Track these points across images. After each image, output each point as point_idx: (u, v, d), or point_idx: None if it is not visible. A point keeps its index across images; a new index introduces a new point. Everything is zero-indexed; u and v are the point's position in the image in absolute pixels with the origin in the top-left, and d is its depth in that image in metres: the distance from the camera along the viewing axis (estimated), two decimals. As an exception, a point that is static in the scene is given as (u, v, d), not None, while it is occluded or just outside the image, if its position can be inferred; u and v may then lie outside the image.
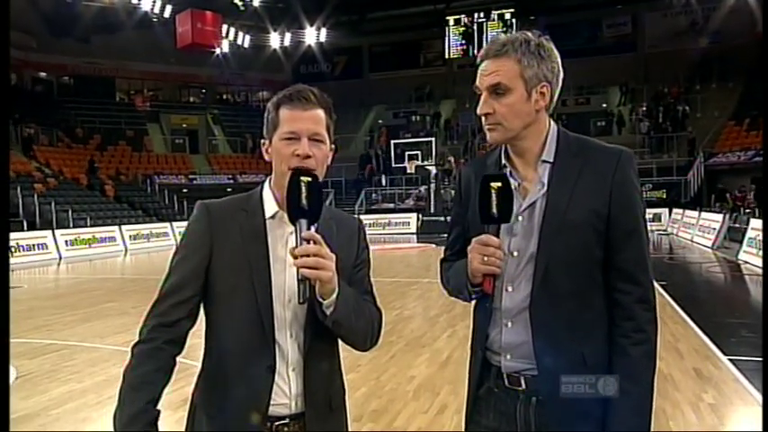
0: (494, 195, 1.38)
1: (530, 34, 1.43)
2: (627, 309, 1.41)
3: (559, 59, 1.46)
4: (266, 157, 1.49)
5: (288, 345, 1.43)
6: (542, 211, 1.42)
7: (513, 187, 1.43)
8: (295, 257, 1.31)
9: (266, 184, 1.51)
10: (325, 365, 1.48)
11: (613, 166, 1.42)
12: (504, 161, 1.51)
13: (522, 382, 1.46)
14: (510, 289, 1.45)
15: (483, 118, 1.45)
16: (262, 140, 1.51)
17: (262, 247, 1.44)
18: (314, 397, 1.45)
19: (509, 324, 1.45)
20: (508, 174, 1.48)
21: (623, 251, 1.41)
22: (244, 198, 1.52)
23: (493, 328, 1.49)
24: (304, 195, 1.33)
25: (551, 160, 1.45)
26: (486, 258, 1.39)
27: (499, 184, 1.39)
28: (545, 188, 1.43)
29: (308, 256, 1.31)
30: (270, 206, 1.47)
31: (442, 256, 1.70)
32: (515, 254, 1.44)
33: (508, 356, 1.47)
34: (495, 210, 1.39)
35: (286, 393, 1.43)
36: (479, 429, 1.54)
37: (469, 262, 1.43)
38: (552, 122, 1.50)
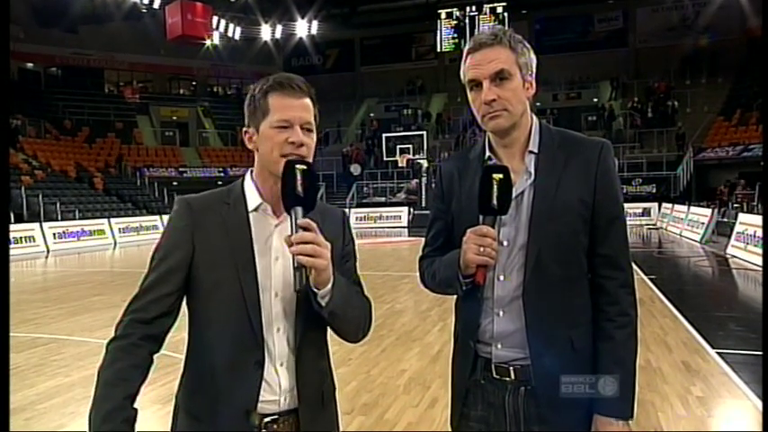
0: (495, 187, 1.40)
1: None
2: (611, 294, 1.46)
3: None
4: (250, 146, 1.45)
5: (276, 339, 1.40)
6: (531, 201, 1.45)
7: None
8: (290, 245, 1.29)
9: (248, 177, 1.48)
10: (315, 360, 1.46)
11: (596, 156, 1.47)
12: (489, 153, 1.53)
13: (511, 372, 1.48)
14: (502, 278, 1.47)
15: (485, 106, 1.45)
16: (244, 129, 1.46)
17: (246, 241, 1.40)
18: (306, 392, 1.43)
19: (501, 313, 1.48)
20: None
21: (607, 238, 1.46)
22: (225, 191, 1.48)
23: (484, 318, 1.50)
24: (299, 183, 1.32)
25: (536, 151, 1.49)
26: (482, 249, 1.40)
27: (501, 175, 1.40)
28: (532, 178, 1.47)
29: (304, 243, 1.29)
30: (253, 198, 1.44)
31: (421, 253, 1.68)
32: (505, 243, 1.47)
33: (499, 346, 1.49)
34: (495, 201, 1.40)
35: (275, 389, 1.40)
36: (467, 423, 1.55)
37: (463, 253, 1.43)
38: (533, 115, 1.54)
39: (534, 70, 1.49)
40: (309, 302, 1.40)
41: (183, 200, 1.46)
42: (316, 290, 1.35)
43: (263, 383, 1.39)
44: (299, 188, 1.32)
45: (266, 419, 1.40)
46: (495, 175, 1.40)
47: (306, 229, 1.31)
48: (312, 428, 1.43)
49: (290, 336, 1.41)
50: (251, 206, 1.43)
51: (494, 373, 1.50)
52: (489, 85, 1.43)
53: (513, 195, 1.45)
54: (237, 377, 1.37)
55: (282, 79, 1.41)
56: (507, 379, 1.49)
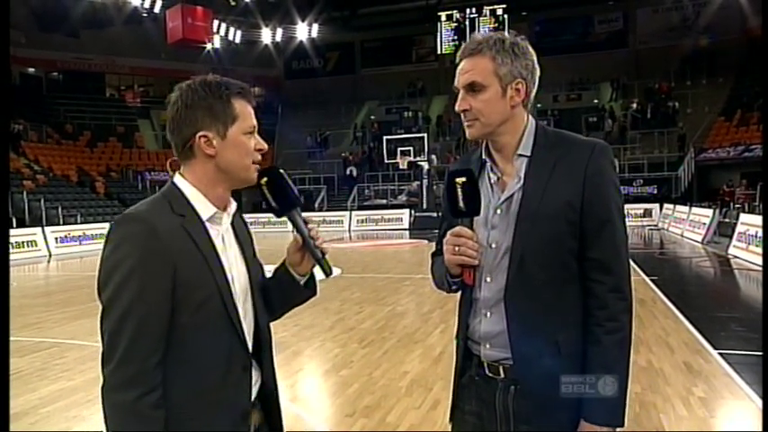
0: (459, 190, 1.44)
1: (506, 34, 1.50)
2: (600, 298, 1.44)
3: (535, 58, 1.50)
4: (209, 151, 1.36)
5: (247, 341, 1.43)
6: (518, 204, 1.46)
7: (492, 181, 1.51)
8: (308, 240, 1.44)
9: (185, 185, 1.39)
10: (271, 355, 1.53)
11: (587, 157, 1.45)
12: (484, 156, 1.56)
13: (501, 370, 1.51)
14: (488, 280, 1.50)
15: (461, 115, 1.50)
16: (201, 133, 1.35)
17: (213, 252, 1.36)
18: (269, 388, 1.51)
19: (488, 314, 1.51)
20: (489, 169, 1.54)
21: (596, 241, 1.44)
22: (163, 202, 1.37)
23: (473, 318, 1.55)
24: (293, 188, 1.44)
25: (528, 154, 1.50)
26: (457, 249, 1.45)
27: (463, 179, 1.44)
28: (521, 181, 1.48)
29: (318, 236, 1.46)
30: (204, 208, 1.39)
31: (434, 250, 1.74)
32: (493, 246, 1.49)
33: (487, 346, 1.52)
34: (461, 204, 1.44)
35: (251, 387, 1.46)
36: (462, 416, 1.60)
37: (445, 253, 1.50)
38: (531, 118, 1.54)
39: (527, 75, 1.47)
40: (262, 293, 1.50)
41: (138, 218, 1.32)
42: (298, 275, 1.51)
43: None
44: (296, 192, 1.45)
45: None
46: (457, 180, 1.44)
47: (308, 222, 1.45)
48: (277, 416, 1.53)
49: (252, 333, 1.46)
50: (205, 216, 1.38)
51: (486, 370, 1.53)
52: (463, 95, 1.48)
53: (504, 198, 1.49)
54: (232, 384, 1.38)
55: (242, 85, 1.40)
56: (498, 377, 1.51)
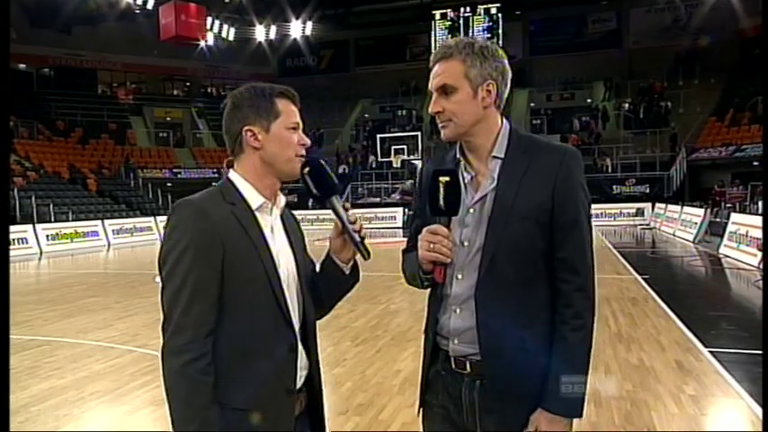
0: (441, 189, 1.47)
1: (477, 38, 1.56)
2: (566, 297, 1.50)
3: (506, 60, 1.55)
4: (254, 144, 1.50)
5: (294, 323, 1.52)
6: (491, 204, 1.51)
7: (466, 181, 1.55)
8: (348, 224, 1.51)
9: (237, 177, 1.53)
10: (315, 340, 1.62)
11: (558, 162, 1.51)
12: (458, 156, 1.60)
13: (468, 365, 1.55)
14: (460, 277, 1.55)
15: (436, 117, 1.55)
16: (246, 127, 1.50)
17: (261, 237, 1.49)
18: (315, 371, 1.60)
19: (457, 310, 1.55)
20: (463, 168, 1.58)
21: (565, 243, 1.50)
22: (217, 192, 1.51)
23: (443, 314, 1.59)
24: (333, 177, 1.53)
25: (502, 156, 1.54)
26: (432, 246, 1.49)
27: (447, 178, 1.48)
28: (495, 182, 1.52)
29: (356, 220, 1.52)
30: (254, 198, 1.51)
31: (404, 247, 1.76)
32: (466, 244, 1.54)
33: (455, 341, 1.56)
34: (442, 202, 1.48)
35: (297, 368, 1.53)
36: (430, 410, 1.64)
37: (419, 249, 1.53)
38: (506, 121, 1.59)
39: (498, 77, 1.52)
40: (311, 286, 1.59)
41: (191, 204, 1.46)
42: (341, 263, 1.57)
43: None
44: (335, 180, 1.53)
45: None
46: (441, 178, 1.48)
47: (347, 209, 1.52)
48: (319, 404, 1.61)
49: (300, 319, 1.55)
50: (254, 205, 1.51)
51: (453, 365, 1.57)
52: (436, 98, 1.54)
53: (478, 198, 1.53)
54: (277, 362, 1.48)
55: (281, 88, 1.54)
56: (465, 372, 1.56)
